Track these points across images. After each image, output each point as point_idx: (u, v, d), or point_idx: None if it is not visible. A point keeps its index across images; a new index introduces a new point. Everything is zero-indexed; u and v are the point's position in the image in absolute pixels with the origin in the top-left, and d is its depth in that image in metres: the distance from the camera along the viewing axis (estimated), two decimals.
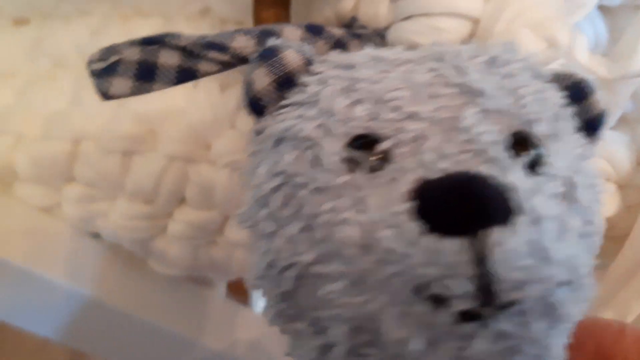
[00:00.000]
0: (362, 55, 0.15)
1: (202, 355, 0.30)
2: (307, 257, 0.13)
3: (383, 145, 0.13)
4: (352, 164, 0.14)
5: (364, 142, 0.14)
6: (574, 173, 0.15)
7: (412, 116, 0.14)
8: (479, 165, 0.13)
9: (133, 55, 0.17)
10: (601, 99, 0.16)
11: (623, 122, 0.28)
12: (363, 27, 0.24)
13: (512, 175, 0.13)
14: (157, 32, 0.26)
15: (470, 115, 0.14)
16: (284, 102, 0.15)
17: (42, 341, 0.29)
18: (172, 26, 0.26)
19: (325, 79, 0.15)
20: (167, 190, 0.26)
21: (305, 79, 0.15)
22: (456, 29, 0.18)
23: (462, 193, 0.12)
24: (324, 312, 0.13)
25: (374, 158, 0.14)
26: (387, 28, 0.22)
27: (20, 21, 0.29)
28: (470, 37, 0.19)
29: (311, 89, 0.15)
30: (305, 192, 0.14)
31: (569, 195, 0.14)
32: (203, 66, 0.17)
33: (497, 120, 0.14)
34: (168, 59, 0.17)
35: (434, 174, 0.13)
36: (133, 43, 0.17)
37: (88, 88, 0.27)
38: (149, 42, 0.17)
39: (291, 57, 0.15)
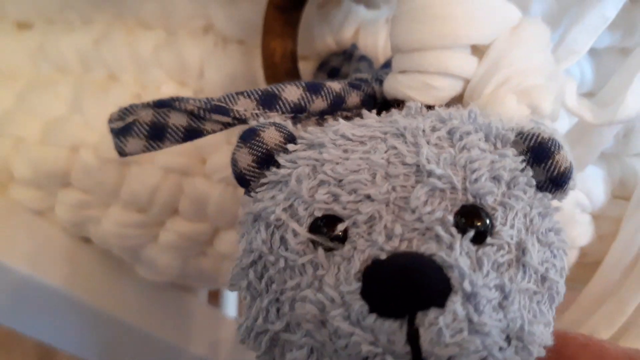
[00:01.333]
0: (334, 132, 0.17)
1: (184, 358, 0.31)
2: (277, 326, 0.16)
3: (340, 227, 0.15)
4: (314, 244, 0.15)
5: (326, 221, 0.16)
6: (527, 236, 0.16)
7: (367, 198, 0.15)
8: (424, 244, 0.15)
9: (146, 116, 0.19)
10: (567, 155, 0.17)
11: (601, 157, 0.29)
12: (363, 59, 0.25)
13: (455, 252, 0.15)
14: (159, 44, 0.28)
15: (419, 196, 0.15)
16: (261, 181, 0.17)
17: (10, 333, 0.29)
18: (174, 40, 0.27)
19: (295, 159, 0.17)
20: (161, 200, 0.27)
21: (280, 158, 0.17)
22: (448, 87, 0.19)
23: (402, 276, 0.14)
24: None
25: (333, 237, 0.15)
26: (385, 69, 0.23)
27: (24, 25, 0.30)
28: (461, 96, 0.20)
29: (283, 170, 0.17)
30: (274, 269, 0.16)
31: (518, 260, 0.16)
32: (208, 126, 0.19)
33: (445, 197, 0.15)
34: (177, 120, 0.19)
35: (382, 254, 0.15)
36: (146, 105, 0.19)
37: (87, 95, 0.28)
38: (160, 105, 0.19)
39: (270, 135, 0.17)
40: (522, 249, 0.16)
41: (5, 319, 0.28)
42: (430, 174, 0.15)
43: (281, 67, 0.22)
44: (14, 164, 0.27)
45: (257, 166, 0.17)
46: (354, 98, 0.20)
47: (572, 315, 0.30)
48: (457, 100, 0.20)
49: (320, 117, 0.21)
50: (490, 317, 0.14)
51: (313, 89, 0.20)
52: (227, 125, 0.19)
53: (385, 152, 0.16)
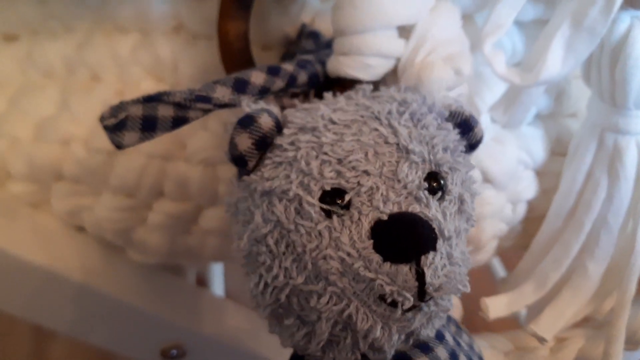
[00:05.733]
0: (321, 117, 0.20)
1: (175, 333, 0.34)
2: (298, 280, 0.19)
3: (347, 197, 0.19)
4: (326, 212, 0.19)
5: (333, 193, 0.19)
6: (464, 190, 0.21)
7: (365, 173, 0.19)
8: (410, 205, 0.19)
9: (137, 111, 0.21)
10: (481, 127, 0.22)
11: (539, 118, 0.33)
12: (311, 35, 0.28)
13: (432, 209, 0.19)
14: (136, 45, 0.30)
15: (404, 169, 0.19)
16: (265, 162, 0.20)
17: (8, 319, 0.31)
18: (149, 40, 0.30)
19: (295, 142, 0.20)
20: (147, 184, 0.29)
21: (281, 141, 0.20)
22: (382, 65, 0.23)
23: (407, 230, 0.18)
24: (312, 314, 0.20)
25: (342, 206, 0.19)
26: (325, 51, 0.26)
27: (10, 37, 0.32)
28: (393, 71, 0.24)
29: (287, 154, 0.20)
30: (294, 235, 0.19)
31: (460, 208, 0.21)
32: (192, 114, 0.22)
33: (419, 168, 0.20)
34: (164, 112, 0.21)
35: (383, 216, 0.19)
36: (136, 101, 0.21)
37: (74, 94, 0.30)
38: (149, 100, 0.21)
39: (265, 121, 0.20)
40: (461, 200, 0.21)
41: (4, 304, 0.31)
42: (408, 150, 0.20)
43: (234, 46, 0.25)
44: (10, 161, 0.30)
45: (255, 148, 0.20)
46: (303, 77, 0.24)
47: (525, 264, 0.34)
48: (391, 74, 0.24)
49: (277, 95, 0.24)
50: (456, 252, 0.20)
51: (273, 71, 0.23)
52: (207, 111, 0.22)
53: (369, 133, 0.20)
